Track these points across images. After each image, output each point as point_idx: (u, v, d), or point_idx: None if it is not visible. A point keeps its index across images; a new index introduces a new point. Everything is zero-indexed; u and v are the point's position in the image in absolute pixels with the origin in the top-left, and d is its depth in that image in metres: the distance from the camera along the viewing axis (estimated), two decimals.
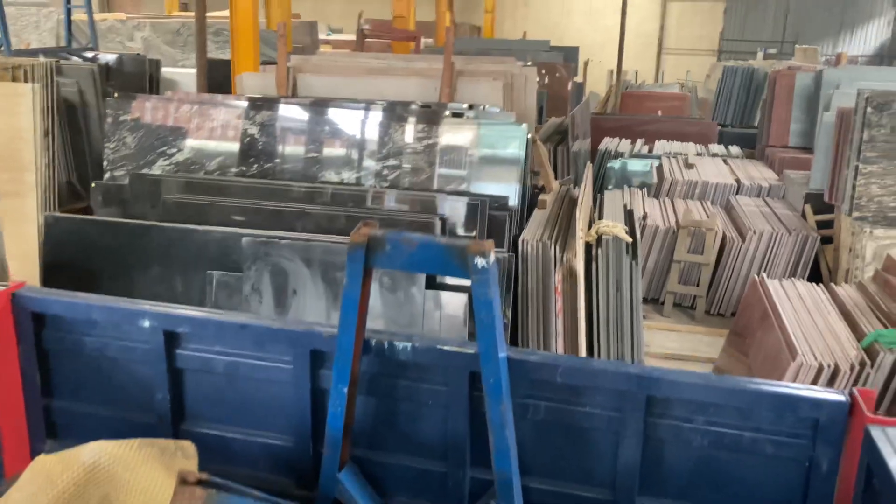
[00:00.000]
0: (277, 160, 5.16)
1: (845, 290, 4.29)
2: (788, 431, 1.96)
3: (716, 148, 9.43)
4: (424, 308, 3.92)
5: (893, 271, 4.24)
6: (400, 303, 3.92)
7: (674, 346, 5.44)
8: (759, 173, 7.75)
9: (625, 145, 9.38)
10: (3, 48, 6.46)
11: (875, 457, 1.72)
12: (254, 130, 5.18)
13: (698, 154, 8.92)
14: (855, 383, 3.43)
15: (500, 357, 1.94)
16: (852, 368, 3.41)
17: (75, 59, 7.18)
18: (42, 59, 5.46)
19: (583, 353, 4.33)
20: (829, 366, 3.42)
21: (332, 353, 2.09)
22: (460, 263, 1.86)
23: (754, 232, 5.95)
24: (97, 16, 10.23)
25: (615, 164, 8.68)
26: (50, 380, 2.44)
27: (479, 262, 1.84)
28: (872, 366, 3.44)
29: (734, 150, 9.31)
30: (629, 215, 5.41)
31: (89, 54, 7.52)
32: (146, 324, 2.26)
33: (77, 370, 2.42)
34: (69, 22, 7.79)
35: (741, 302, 4.83)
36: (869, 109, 5.15)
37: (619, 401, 2.06)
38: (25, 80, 5.37)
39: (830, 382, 3.41)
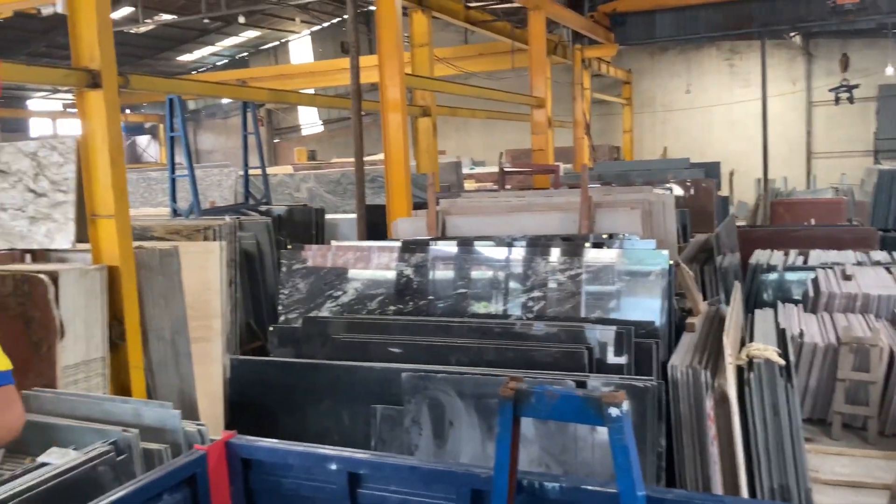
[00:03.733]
0: (431, 297, 5.56)
1: None
2: None
3: (878, 255, 8.98)
4: (577, 434, 4.01)
5: None
6: (551, 431, 4.03)
7: (845, 472, 5.15)
8: None
9: (777, 257, 9.11)
10: (195, 211, 7.44)
11: None
12: (408, 271, 5.63)
13: (858, 263, 8.54)
14: None
15: (639, 496, 2.09)
16: None
17: (252, 213, 8.12)
18: (227, 219, 6.27)
19: (743, 481, 4.23)
20: None
21: (490, 492, 2.32)
22: (597, 413, 2.08)
23: None
24: (268, 170, 11.52)
25: (770, 276, 8.46)
26: None
27: (614, 411, 2.05)
28: None
29: None
30: (781, 335, 5.30)
31: (263, 208, 8.48)
32: (333, 466, 2.60)
33: None
34: (247, 181, 8.86)
35: None
36: None
37: None
38: (214, 239, 6.18)
39: None
